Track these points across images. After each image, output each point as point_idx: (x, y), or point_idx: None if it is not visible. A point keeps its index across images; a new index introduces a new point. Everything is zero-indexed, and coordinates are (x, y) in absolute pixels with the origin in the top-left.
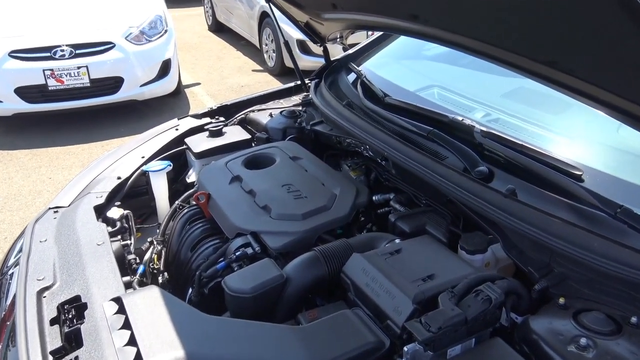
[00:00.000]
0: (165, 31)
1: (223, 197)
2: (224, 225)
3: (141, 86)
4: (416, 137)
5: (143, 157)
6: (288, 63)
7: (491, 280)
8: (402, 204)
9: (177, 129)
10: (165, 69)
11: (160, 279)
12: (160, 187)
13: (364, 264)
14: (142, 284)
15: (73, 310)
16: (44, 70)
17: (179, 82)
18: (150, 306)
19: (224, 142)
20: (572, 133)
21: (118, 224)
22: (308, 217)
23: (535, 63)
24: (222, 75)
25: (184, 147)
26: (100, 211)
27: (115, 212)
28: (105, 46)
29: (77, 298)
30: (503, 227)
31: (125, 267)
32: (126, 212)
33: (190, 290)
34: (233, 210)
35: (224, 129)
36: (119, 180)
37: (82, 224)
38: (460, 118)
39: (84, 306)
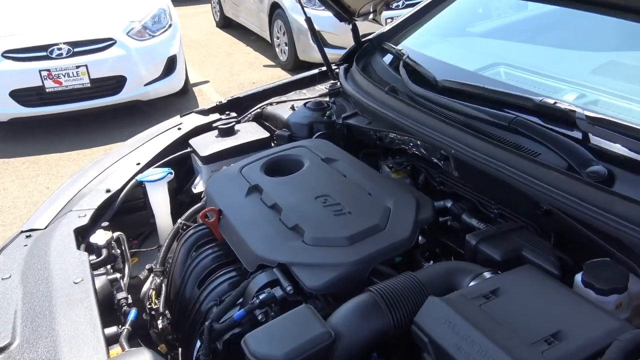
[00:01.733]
0: (170, 25)
1: (238, 215)
2: (241, 253)
3: (145, 85)
4: (492, 128)
5: (138, 164)
6: (302, 57)
7: None
8: (481, 219)
9: (179, 129)
10: (170, 66)
11: (160, 323)
12: (159, 201)
13: (448, 314)
14: (132, 337)
15: None
16: (40, 71)
17: (186, 80)
18: None
19: (237, 143)
20: None
21: (104, 251)
22: (356, 241)
23: None
24: (231, 72)
25: (189, 150)
26: (83, 234)
27: (100, 237)
28: (105, 43)
29: None
30: None
31: (113, 309)
32: (116, 234)
33: (198, 343)
34: (252, 232)
35: (237, 127)
36: (109, 194)
37: (58, 254)
38: (551, 101)
39: None
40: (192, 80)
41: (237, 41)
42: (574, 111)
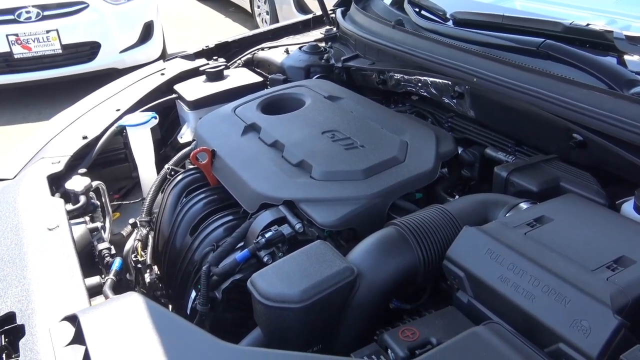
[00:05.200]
0: None
1: (235, 154)
2: (239, 194)
3: (121, 52)
4: (517, 56)
5: (118, 110)
6: None
7: None
8: (508, 152)
9: (162, 74)
10: (147, 31)
11: (147, 277)
12: (142, 148)
13: (489, 243)
14: (118, 287)
15: (2, 339)
16: (7, 36)
17: (164, 48)
18: (126, 329)
19: (228, 87)
20: None
21: (82, 198)
22: (372, 174)
23: None
24: (211, 44)
25: (174, 95)
26: (57, 183)
27: (78, 182)
28: (77, 6)
29: (9, 317)
30: None
31: (95, 262)
32: (95, 183)
33: (193, 294)
34: (252, 171)
35: (226, 72)
36: (86, 141)
37: (28, 200)
38: (583, 23)
39: (20, 331)
40: (169, 52)
41: (216, 13)
42: (611, 31)
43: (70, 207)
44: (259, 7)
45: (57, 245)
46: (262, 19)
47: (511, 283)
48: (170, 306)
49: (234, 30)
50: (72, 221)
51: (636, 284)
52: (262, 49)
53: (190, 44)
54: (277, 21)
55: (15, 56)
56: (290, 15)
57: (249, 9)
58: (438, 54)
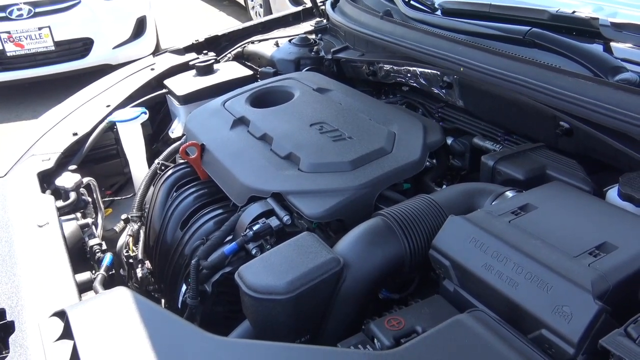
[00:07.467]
0: None
1: (224, 148)
2: (228, 188)
3: (114, 48)
4: (504, 45)
5: (108, 106)
6: None
7: None
8: (497, 141)
9: (152, 69)
10: (140, 27)
11: (139, 272)
12: (133, 144)
13: (473, 232)
14: (109, 282)
15: None
16: None
17: (157, 43)
18: (113, 323)
19: (218, 81)
20: None
21: (73, 195)
22: (360, 165)
23: None
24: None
25: (164, 90)
26: (47, 180)
27: (68, 179)
28: (69, 2)
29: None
30: None
31: (86, 258)
32: (87, 179)
33: (183, 287)
34: (241, 164)
35: (216, 66)
36: (76, 137)
37: (18, 198)
38: (569, 10)
39: (10, 327)
40: (163, 46)
41: (209, 7)
42: (596, 19)
43: (60, 203)
44: (252, 0)
45: (46, 241)
46: (256, 12)
47: (495, 271)
48: (162, 300)
49: (228, 24)
50: (63, 218)
51: (617, 270)
52: (252, 42)
53: (184, 39)
54: (271, 14)
55: (8, 54)
56: (284, 8)
57: (242, 2)
58: (426, 44)
